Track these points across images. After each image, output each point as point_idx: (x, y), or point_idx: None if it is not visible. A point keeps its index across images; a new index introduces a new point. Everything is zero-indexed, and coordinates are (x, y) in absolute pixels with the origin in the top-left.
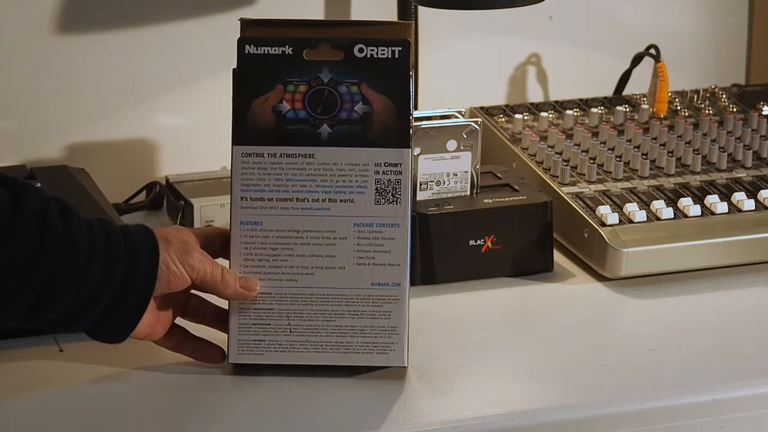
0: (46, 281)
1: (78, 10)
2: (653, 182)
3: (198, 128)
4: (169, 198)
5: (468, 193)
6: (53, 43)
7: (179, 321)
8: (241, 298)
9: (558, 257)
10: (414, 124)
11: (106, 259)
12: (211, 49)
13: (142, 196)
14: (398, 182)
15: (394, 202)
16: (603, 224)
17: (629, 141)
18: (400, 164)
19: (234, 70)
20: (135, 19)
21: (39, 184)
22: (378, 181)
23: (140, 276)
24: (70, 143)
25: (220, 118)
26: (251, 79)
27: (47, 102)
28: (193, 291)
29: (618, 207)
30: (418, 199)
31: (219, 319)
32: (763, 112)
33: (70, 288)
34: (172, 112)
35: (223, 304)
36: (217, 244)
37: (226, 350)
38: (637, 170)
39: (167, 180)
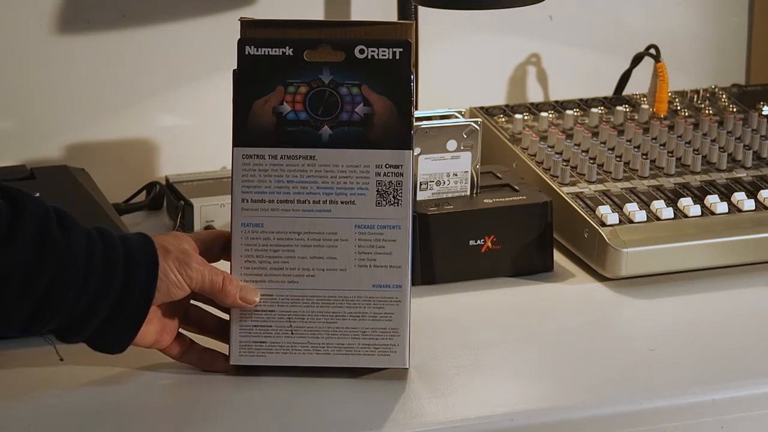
0: (45, 291)
1: (77, 10)
2: (653, 182)
3: (198, 128)
4: (169, 198)
5: (468, 193)
6: (53, 43)
7: (182, 331)
8: (241, 307)
9: (558, 257)
10: (414, 121)
11: (105, 269)
12: (211, 49)
13: (142, 196)
14: (399, 184)
15: (396, 204)
16: (603, 224)
17: (629, 141)
18: (401, 166)
19: (234, 71)
20: (134, 19)
21: (38, 194)
22: (379, 183)
23: (139, 286)
24: (70, 143)
25: (220, 118)
26: (252, 81)
27: (47, 102)
28: (192, 301)
29: (618, 207)
30: (418, 199)
31: (220, 329)
32: (763, 112)
33: (69, 298)
34: (172, 112)
35: (224, 314)
36: (217, 248)
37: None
38: (637, 170)
39: (167, 180)
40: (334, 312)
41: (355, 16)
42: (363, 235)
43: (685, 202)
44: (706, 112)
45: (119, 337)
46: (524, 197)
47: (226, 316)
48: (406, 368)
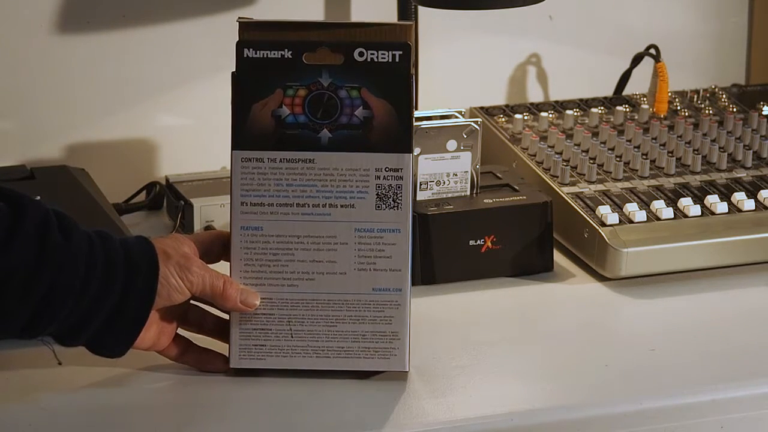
0: (45, 295)
1: (78, 10)
2: (653, 182)
3: (198, 128)
4: (169, 198)
5: (468, 193)
6: (53, 43)
7: (180, 331)
8: (241, 311)
9: (558, 257)
10: (414, 124)
11: (105, 273)
12: (210, 49)
13: (142, 196)
14: (399, 187)
15: (395, 207)
16: (603, 224)
17: (629, 141)
18: (401, 169)
19: (233, 73)
20: (135, 19)
21: (38, 197)
22: (379, 186)
23: (139, 290)
24: (70, 143)
25: (220, 118)
26: (250, 83)
27: (47, 102)
28: (192, 301)
29: (618, 207)
30: (418, 199)
31: (218, 329)
32: (763, 112)
33: (69, 302)
34: (172, 112)
35: (223, 314)
36: (217, 248)
37: (227, 355)
38: (637, 170)
39: (167, 180)
40: (333, 315)
41: (355, 16)
42: (363, 239)
43: (685, 202)
44: (706, 112)
45: (119, 341)
46: (524, 197)
47: (225, 316)
48: (406, 371)
